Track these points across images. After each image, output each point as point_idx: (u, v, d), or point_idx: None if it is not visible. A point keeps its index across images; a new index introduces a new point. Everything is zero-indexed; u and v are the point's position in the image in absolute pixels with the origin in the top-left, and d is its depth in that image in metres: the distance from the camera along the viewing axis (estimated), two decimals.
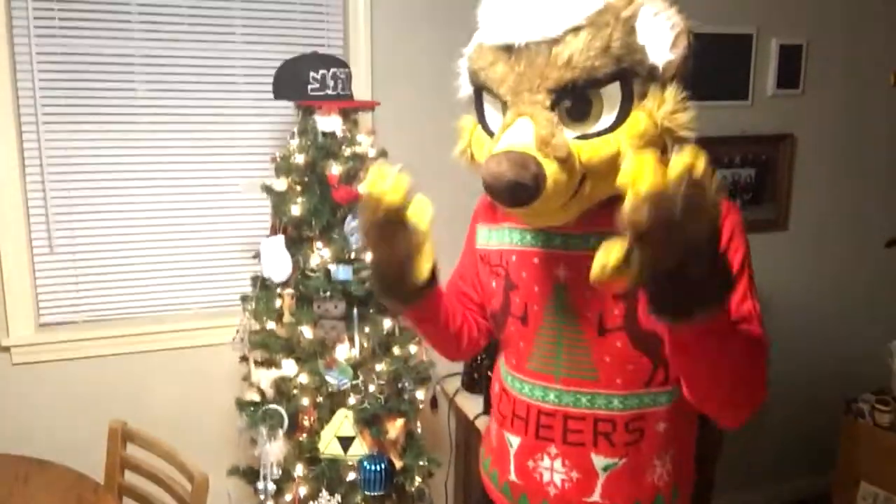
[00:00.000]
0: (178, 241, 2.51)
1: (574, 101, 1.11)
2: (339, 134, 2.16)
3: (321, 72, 2.13)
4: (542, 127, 1.09)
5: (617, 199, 0.95)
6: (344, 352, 2.15)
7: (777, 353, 3.49)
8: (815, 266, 3.29)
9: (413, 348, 2.27)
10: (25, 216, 2.35)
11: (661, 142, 1.15)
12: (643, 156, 0.86)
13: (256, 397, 2.23)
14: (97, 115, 2.37)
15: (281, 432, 2.15)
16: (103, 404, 2.43)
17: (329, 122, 2.15)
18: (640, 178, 0.85)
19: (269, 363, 2.22)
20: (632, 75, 1.12)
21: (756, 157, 3.08)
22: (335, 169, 2.12)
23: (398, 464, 2.19)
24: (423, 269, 1.24)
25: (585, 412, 1.30)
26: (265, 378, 2.20)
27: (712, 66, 2.92)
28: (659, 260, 0.86)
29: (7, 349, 2.37)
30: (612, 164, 1.11)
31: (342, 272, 2.13)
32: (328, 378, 2.15)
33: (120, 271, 2.48)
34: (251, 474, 2.28)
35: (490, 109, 1.22)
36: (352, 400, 2.18)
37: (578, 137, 1.12)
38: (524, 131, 1.09)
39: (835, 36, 3.10)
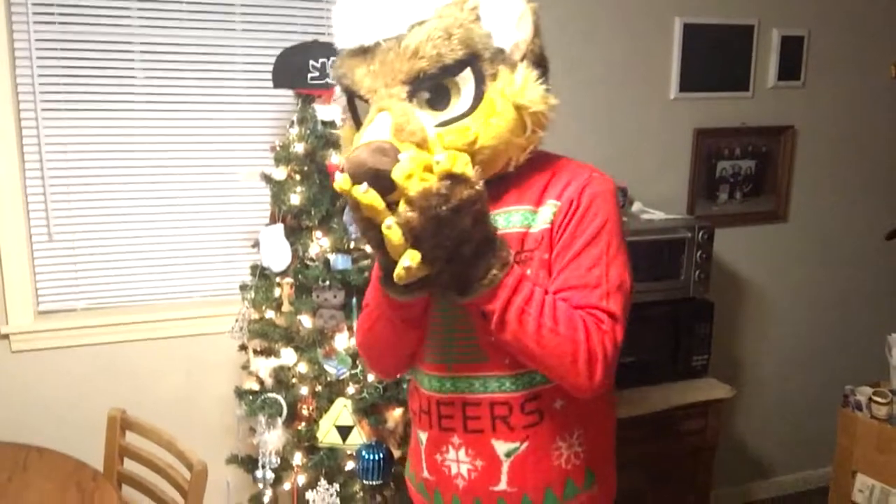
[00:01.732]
0: (177, 230, 2.51)
1: (431, 91, 1.16)
2: (339, 123, 2.16)
3: (321, 60, 2.13)
4: (397, 115, 1.12)
5: (494, 180, 1.20)
6: (343, 341, 2.15)
7: (775, 345, 3.50)
8: (815, 257, 3.29)
9: None
10: (24, 204, 2.34)
11: (522, 121, 1.20)
12: (411, 158, 1.04)
13: (255, 386, 2.23)
14: (96, 102, 2.36)
15: (280, 421, 2.16)
16: (102, 392, 2.43)
17: (329, 111, 2.15)
18: (407, 181, 1.04)
19: (268, 352, 2.22)
20: (479, 60, 1.17)
21: (756, 149, 3.08)
22: (335, 158, 2.12)
23: (396, 453, 2.19)
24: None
25: (480, 397, 1.30)
26: (264, 367, 2.20)
27: (713, 58, 2.92)
28: (436, 249, 1.07)
29: (6, 336, 2.37)
30: (471, 145, 1.15)
31: (341, 261, 2.13)
32: (327, 367, 2.15)
33: (119, 259, 2.48)
34: (250, 463, 2.29)
35: (362, 113, 1.24)
36: (350, 389, 2.18)
37: (439, 125, 1.16)
38: (383, 124, 1.12)
39: (836, 27, 3.09)
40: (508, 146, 1.21)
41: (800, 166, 3.17)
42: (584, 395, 1.19)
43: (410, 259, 1.07)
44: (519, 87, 1.18)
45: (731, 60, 2.96)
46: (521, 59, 1.20)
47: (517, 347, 1.18)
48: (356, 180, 1.08)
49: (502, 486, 1.31)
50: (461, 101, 1.17)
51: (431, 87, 1.16)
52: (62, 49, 2.30)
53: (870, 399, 2.57)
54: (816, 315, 3.35)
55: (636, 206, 2.79)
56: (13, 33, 2.25)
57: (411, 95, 1.15)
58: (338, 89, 1.30)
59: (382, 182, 1.07)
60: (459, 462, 1.34)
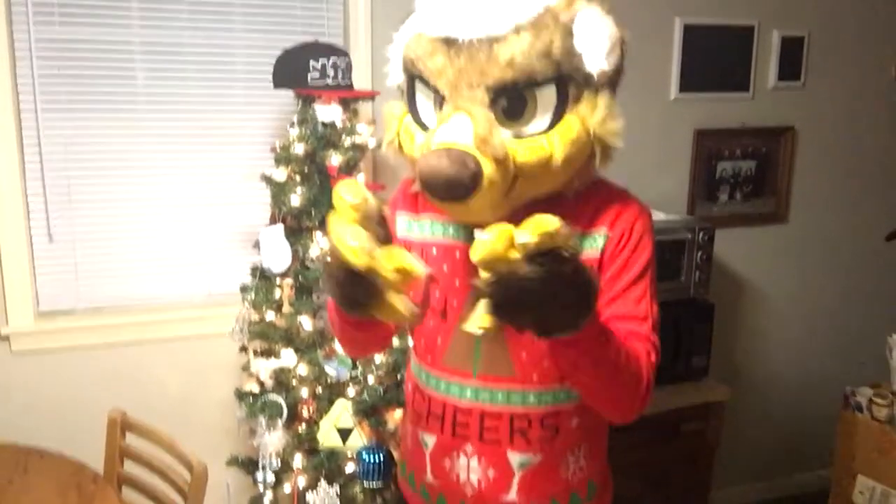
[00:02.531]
0: (177, 231, 2.51)
1: (510, 100, 1.12)
2: (339, 124, 2.15)
3: (321, 61, 2.12)
4: (482, 125, 1.09)
5: (543, 200, 1.15)
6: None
7: (776, 346, 3.50)
8: (815, 259, 3.29)
9: (412, 339, 2.26)
10: (24, 204, 2.34)
11: (590, 148, 1.17)
12: (494, 240, 0.94)
13: (255, 387, 2.23)
14: (96, 103, 2.36)
15: (280, 423, 2.15)
16: (102, 393, 2.43)
17: (329, 112, 2.14)
18: (489, 264, 0.95)
19: (268, 353, 2.22)
20: (568, 80, 1.13)
21: (756, 150, 3.08)
22: (335, 159, 2.11)
23: (397, 455, 2.19)
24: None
25: (502, 409, 1.30)
26: (264, 368, 2.20)
27: (713, 58, 2.92)
28: (515, 315, 0.98)
29: (6, 338, 2.37)
30: (544, 166, 1.13)
31: None
32: (327, 369, 2.15)
33: (119, 260, 2.47)
34: (250, 464, 2.28)
35: (423, 100, 1.21)
36: (351, 391, 2.18)
37: (513, 137, 1.13)
38: (463, 128, 1.09)
39: (836, 28, 3.09)
40: (576, 173, 1.19)
41: (800, 167, 3.17)
42: (627, 422, 1.20)
43: (482, 322, 0.99)
44: (601, 117, 1.15)
45: (732, 61, 2.96)
46: (605, 87, 1.17)
47: (580, 380, 1.16)
48: (428, 185, 1.07)
49: (512, 496, 1.32)
50: (540, 117, 1.13)
51: (513, 96, 1.12)
52: (62, 49, 2.30)
53: (870, 400, 2.57)
54: (817, 316, 3.35)
55: None
56: (13, 33, 2.24)
57: (492, 102, 1.11)
58: (392, 66, 1.27)
59: (454, 191, 1.07)
60: (470, 470, 1.33)
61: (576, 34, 1.13)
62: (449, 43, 1.12)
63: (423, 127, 1.20)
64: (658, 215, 2.75)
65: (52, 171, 2.36)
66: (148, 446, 2.11)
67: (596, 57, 1.14)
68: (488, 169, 1.08)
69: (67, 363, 2.43)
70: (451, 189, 1.06)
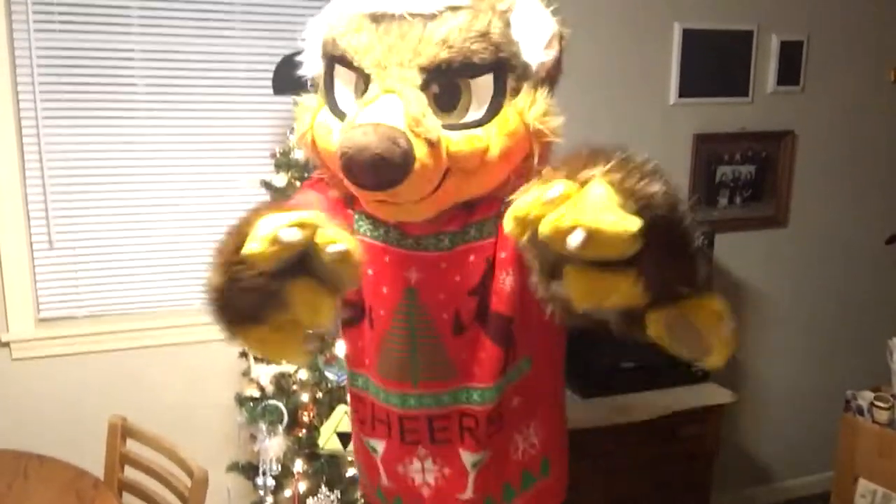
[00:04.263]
0: (178, 237, 2.51)
1: (443, 87, 1.02)
2: None
3: None
4: (413, 105, 0.98)
5: (473, 202, 1.04)
6: (343, 348, 2.15)
7: (776, 350, 3.49)
8: (815, 263, 3.29)
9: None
10: (25, 211, 2.34)
11: (529, 145, 1.09)
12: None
13: (256, 393, 2.23)
14: (97, 109, 2.36)
15: (280, 428, 2.15)
16: (103, 400, 2.43)
17: None
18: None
19: (268, 359, 2.22)
20: (507, 68, 1.05)
21: (756, 154, 3.08)
22: None
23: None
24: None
25: (448, 409, 1.23)
26: (265, 374, 2.20)
27: (712, 63, 2.92)
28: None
29: (6, 344, 2.37)
30: (477, 161, 1.04)
31: None
32: (328, 374, 2.15)
33: (120, 266, 2.47)
34: (251, 470, 2.28)
35: (342, 87, 1.09)
36: None
37: (445, 127, 1.02)
38: (392, 108, 0.97)
39: (835, 32, 3.09)
40: (511, 170, 1.10)
41: (800, 171, 3.17)
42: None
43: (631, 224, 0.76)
44: (540, 111, 1.08)
45: (731, 66, 2.96)
46: (543, 82, 1.10)
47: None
48: (352, 164, 0.94)
49: (468, 493, 1.28)
50: (475, 110, 1.04)
51: (446, 83, 1.03)
52: (63, 56, 2.30)
53: (871, 404, 2.57)
54: (817, 320, 3.35)
55: None
56: (14, 41, 2.25)
57: (425, 85, 1.02)
58: (307, 56, 1.17)
59: (383, 173, 0.94)
60: (425, 471, 1.29)
61: (513, 23, 1.06)
62: (377, 19, 1.03)
63: (343, 118, 1.07)
64: None
65: (52, 177, 2.36)
66: (148, 452, 2.11)
67: (535, 48, 1.07)
68: (421, 151, 0.96)
69: (68, 369, 2.43)
70: (379, 170, 0.93)
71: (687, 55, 2.86)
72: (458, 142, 1.02)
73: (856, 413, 2.61)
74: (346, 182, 1.02)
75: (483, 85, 1.04)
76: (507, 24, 1.05)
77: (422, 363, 1.22)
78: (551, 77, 1.11)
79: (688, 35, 2.85)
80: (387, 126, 0.94)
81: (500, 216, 0.96)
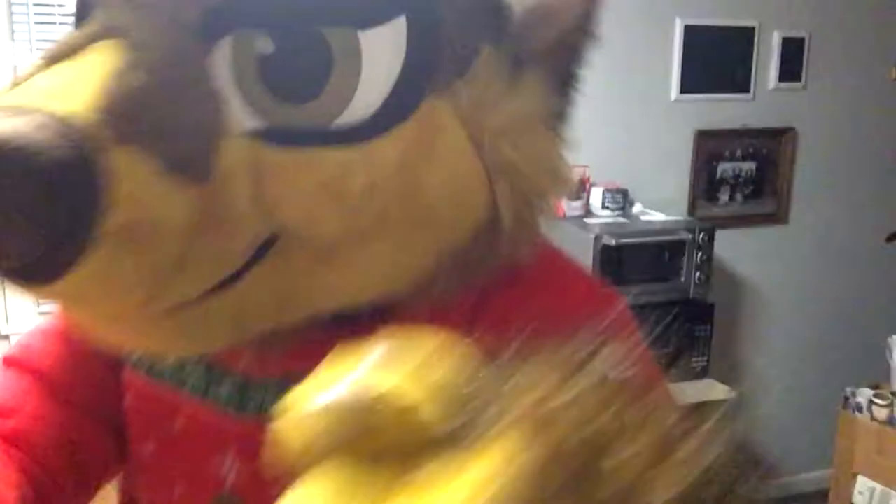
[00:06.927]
0: None
1: (284, 42, 0.47)
2: None
3: None
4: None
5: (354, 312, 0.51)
6: None
7: (775, 346, 3.49)
8: (816, 260, 3.29)
9: None
10: None
11: (485, 191, 0.53)
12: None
13: None
14: None
15: None
16: None
17: None
18: None
19: None
20: (439, 15, 0.51)
21: (757, 151, 3.07)
22: None
23: None
24: None
25: None
26: None
27: (714, 59, 2.91)
28: None
29: (7, 337, 2.37)
30: (339, 223, 0.48)
31: None
32: None
33: None
34: None
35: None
36: None
37: (276, 141, 0.47)
38: (84, 75, 0.45)
39: (838, 29, 3.09)
40: (437, 250, 0.55)
41: (801, 168, 3.16)
42: None
43: None
44: (522, 124, 0.50)
45: (732, 62, 2.96)
46: (545, 61, 0.63)
47: None
48: None
49: None
50: (361, 96, 0.56)
51: (290, 36, 0.50)
52: None
53: (870, 401, 2.57)
54: (817, 317, 3.35)
55: (636, 208, 2.79)
56: (13, 34, 2.25)
57: (240, 47, 0.49)
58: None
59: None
60: None
61: None
62: None
63: None
64: (658, 216, 2.75)
65: None
66: None
67: None
68: (123, 164, 0.42)
69: None
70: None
71: (688, 51, 2.85)
72: (296, 172, 0.47)
73: (854, 410, 2.61)
74: None
75: (380, 49, 0.48)
76: None
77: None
78: (570, 49, 0.61)
79: (689, 31, 2.84)
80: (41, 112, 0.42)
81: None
